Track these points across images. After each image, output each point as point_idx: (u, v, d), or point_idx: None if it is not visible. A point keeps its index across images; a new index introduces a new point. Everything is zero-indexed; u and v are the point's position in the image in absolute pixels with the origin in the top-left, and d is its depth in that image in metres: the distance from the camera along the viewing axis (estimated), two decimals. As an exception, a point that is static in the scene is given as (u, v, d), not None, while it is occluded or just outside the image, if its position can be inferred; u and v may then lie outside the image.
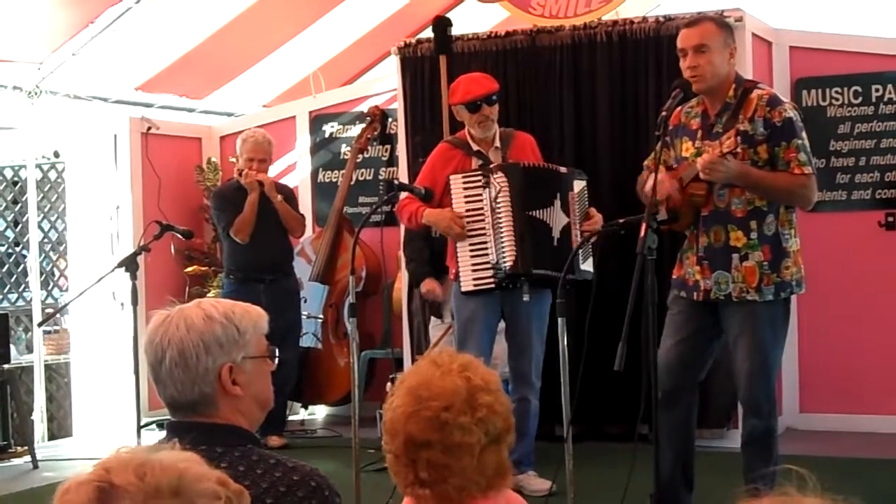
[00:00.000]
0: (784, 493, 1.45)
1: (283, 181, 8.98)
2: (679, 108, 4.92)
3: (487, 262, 5.83)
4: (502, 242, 5.79)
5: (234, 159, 7.92)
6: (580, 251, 5.70)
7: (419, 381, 2.42)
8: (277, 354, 2.58)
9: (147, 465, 1.53)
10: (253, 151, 7.48)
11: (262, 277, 7.40)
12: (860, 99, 7.41)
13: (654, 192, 4.57)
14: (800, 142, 4.78)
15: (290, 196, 7.75)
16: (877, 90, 7.38)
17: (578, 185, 5.94)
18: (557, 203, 5.86)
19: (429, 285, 7.04)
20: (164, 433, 2.58)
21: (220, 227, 7.52)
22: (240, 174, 7.50)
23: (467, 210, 5.85)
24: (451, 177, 5.90)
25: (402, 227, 7.20)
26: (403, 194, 6.03)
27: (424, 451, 2.35)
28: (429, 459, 2.35)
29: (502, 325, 6.14)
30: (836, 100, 7.46)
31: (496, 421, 2.40)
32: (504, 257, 5.79)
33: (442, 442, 2.34)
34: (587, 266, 5.78)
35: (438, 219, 5.89)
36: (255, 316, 2.52)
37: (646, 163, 5.19)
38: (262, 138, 7.55)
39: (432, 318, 7.46)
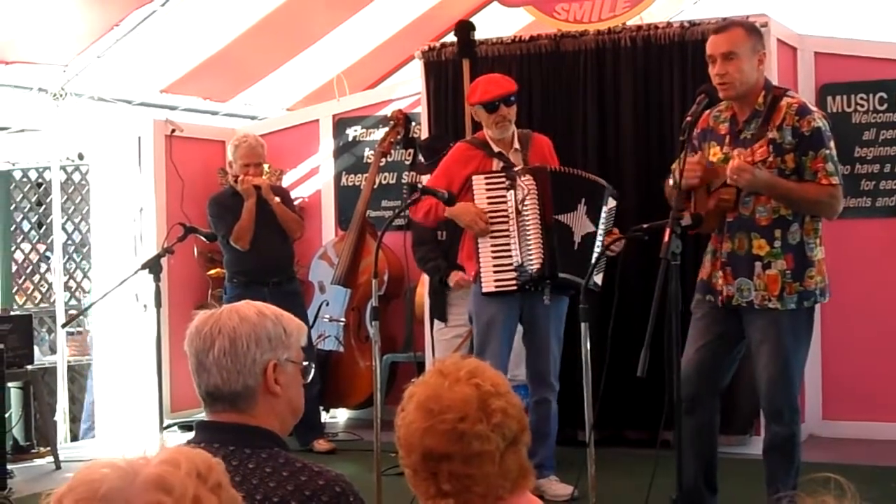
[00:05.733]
0: (822, 501, 1.44)
1: (306, 185, 9.01)
2: (708, 111, 4.89)
3: (510, 264, 5.81)
4: (528, 245, 5.77)
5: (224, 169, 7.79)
6: (598, 263, 5.69)
7: (429, 393, 2.39)
8: (312, 369, 2.60)
9: None
10: (248, 157, 7.32)
11: (265, 280, 7.28)
12: (885, 105, 7.36)
13: (682, 174, 4.55)
14: (827, 152, 4.75)
15: (286, 197, 7.68)
16: (902, 96, 7.35)
17: (611, 202, 5.92)
18: (582, 209, 5.84)
19: (458, 275, 6.85)
20: (186, 435, 2.58)
21: (219, 235, 7.36)
22: (235, 180, 7.39)
23: (489, 211, 5.84)
24: (474, 177, 5.87)
25: (410, 233, 7.14)
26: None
27: (445, 464, 2.33)
28: (450, 471, 2.32)
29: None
30: (862, 106, 7.42)
31: (511, 424, 2.38)
32: (531, 260, 5.77)
33: (462, 453, 2.32)
34: (597, 279, 5.77)
35: (462, 212, 5.84)
36: (299, 324, 2.58)
37: (672, 167, 5.17)
38: (255, 142, 7.43)
39: (436, 323, 7.35)
